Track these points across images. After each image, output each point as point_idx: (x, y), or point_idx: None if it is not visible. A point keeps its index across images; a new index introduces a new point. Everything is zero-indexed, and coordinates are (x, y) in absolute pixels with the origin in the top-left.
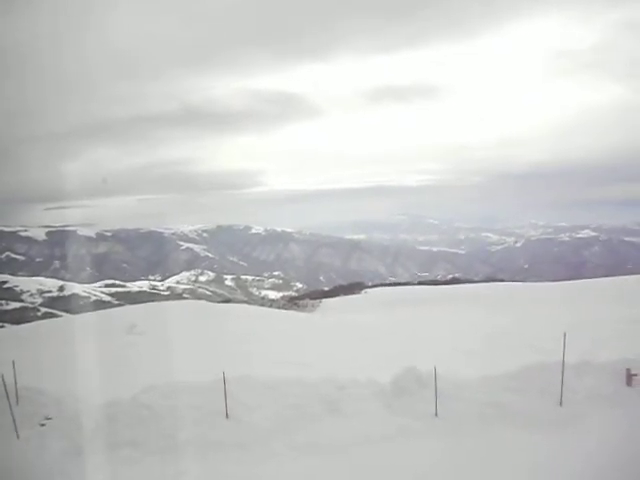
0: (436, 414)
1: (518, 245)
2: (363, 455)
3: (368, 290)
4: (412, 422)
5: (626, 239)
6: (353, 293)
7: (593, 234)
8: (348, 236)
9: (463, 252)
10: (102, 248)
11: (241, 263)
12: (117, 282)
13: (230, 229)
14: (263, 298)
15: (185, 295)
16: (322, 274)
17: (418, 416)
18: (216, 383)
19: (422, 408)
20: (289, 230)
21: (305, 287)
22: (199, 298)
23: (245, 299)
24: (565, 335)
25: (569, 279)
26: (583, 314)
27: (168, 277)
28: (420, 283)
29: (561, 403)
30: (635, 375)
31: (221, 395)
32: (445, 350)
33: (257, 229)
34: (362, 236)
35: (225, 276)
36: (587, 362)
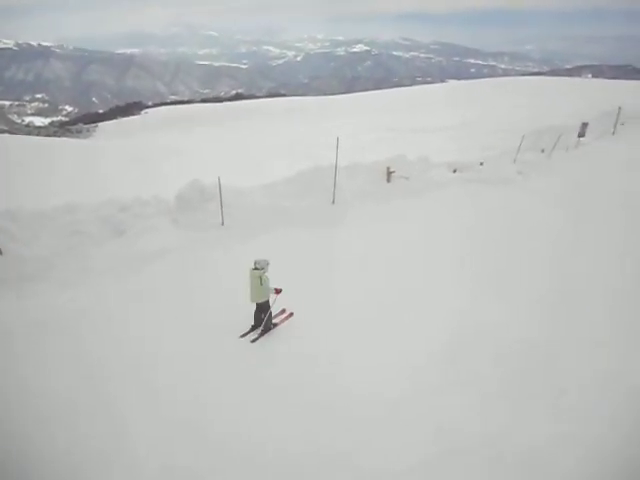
0: (222, 223)
1: (298, 59)
2: (152, 272)
3: (148, 110)
4: (200, 234)
5: (394, 53)
6: (132, 114)
7: (366, 48)
8: (120, 50)
9: (245, 67)
10: None
11: None
12: None
13: None
14: (28, 125)
15: None
16: (95, 95)
17: (205, 227)
18: None
19: (208, 219)
20: (47, 44)
21: (76, 110)
22: None
23: (6, 128)
24: (338, 140)
25: (344, 93)
26: (355, 124)
27: None
28: (203, 101)
29: (334, 201)
30: (393, 172)
31: None
32: (229, 164)
33: (6, 43)
34: (136, 50)
35: None
36: (356, 164)
